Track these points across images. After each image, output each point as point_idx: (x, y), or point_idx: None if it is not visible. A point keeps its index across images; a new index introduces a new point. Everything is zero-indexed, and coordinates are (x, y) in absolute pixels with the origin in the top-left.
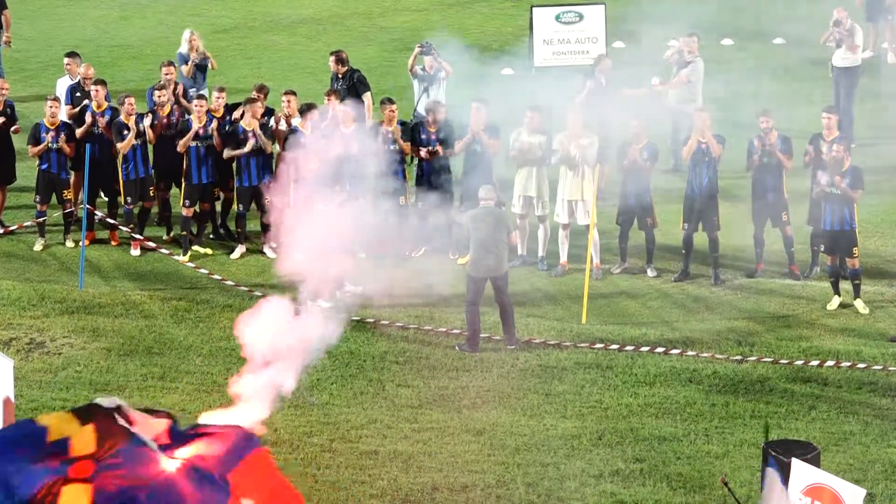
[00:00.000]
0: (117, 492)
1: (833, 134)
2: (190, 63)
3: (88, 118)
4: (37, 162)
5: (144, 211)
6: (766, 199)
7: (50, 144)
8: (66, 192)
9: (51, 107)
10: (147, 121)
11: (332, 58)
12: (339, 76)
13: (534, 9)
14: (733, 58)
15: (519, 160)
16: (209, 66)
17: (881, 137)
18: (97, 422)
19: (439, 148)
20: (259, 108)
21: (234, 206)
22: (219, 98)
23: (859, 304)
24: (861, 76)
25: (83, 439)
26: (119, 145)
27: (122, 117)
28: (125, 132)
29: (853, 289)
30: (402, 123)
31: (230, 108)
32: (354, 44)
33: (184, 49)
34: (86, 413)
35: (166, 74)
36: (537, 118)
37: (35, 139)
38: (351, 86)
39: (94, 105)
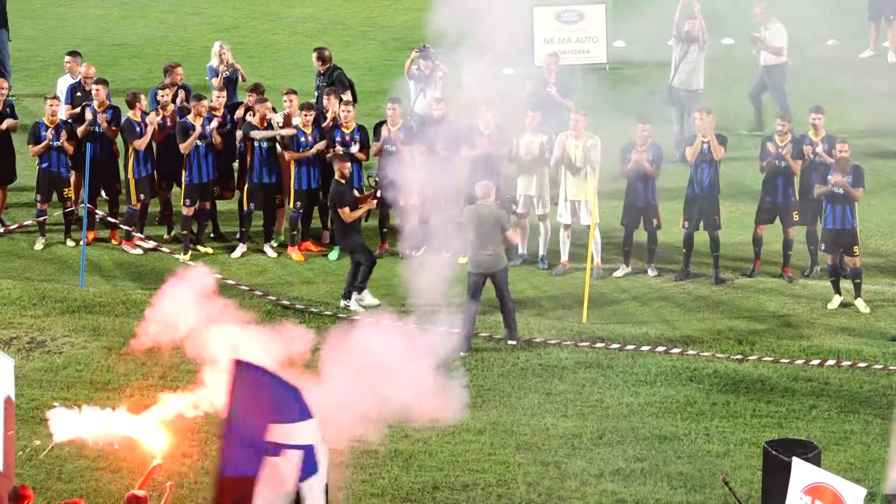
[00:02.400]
0: None
1: (821, 134)
2: (220, 76)
3: (89, 115)
4: (37, 161)
5: (143, 208)
6: (776, 200)
7: (51, 143)
8: (66, 190)
9: (50, 105)
10: (159, 118)
11: (315, 54)
12: (321, 73)
13: (534, 8)
14: (734, 57)
15: (523, 163)
16: (240, 78)
17: (882, 136)
18: None
19: None
20: (268, 108)
21: (245, 205)
22: (219, 97)
23: (860, 303)
24: (786, 73)
25: None
26: (136, 143)
27: (129, 114)
28: (137, 129)
29: (854, 288)
30: None
31: (231, 108)
32: (355, 43)
33: (214, 62)
34: None
35: (175, 76)
36: (538, 118)
37: (35, 138)
38: (331, 83)
39: (95, 104)
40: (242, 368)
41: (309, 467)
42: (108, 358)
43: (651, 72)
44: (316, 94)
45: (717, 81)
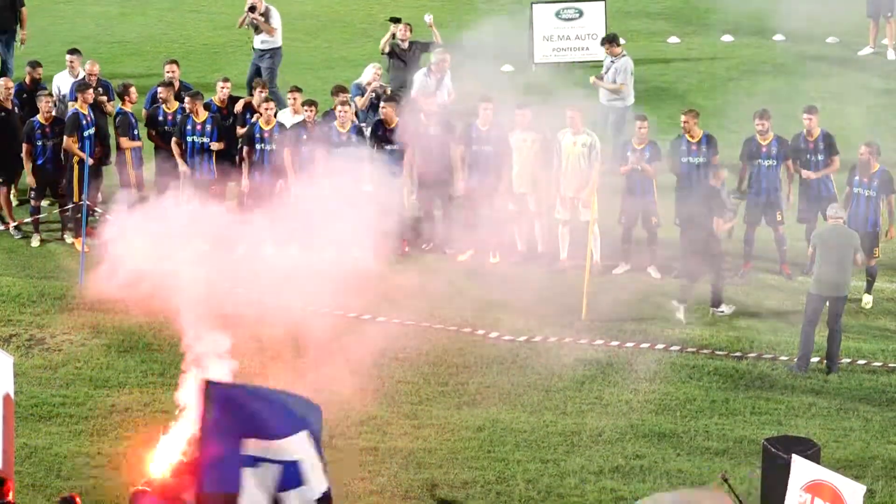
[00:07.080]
0: None
1: (816, 134)
2: (366, 96)
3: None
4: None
5: None
6: (760, 198)
7: (46, 142)
8: (60, 187)
9: (46, 102)
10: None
11: None
12: None
13: (533, 5)
14: (734, 55)
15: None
16: (383, 94)
17: (882, 135)
18: None
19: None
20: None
21: None
22: (224, 88)
23: (866, 297)
24: (278, 57)
25: None
26: (122, 141)
27: (120, 106)
28: (133, 121)
29: (866, 284)
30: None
31: (233, 100)
32: (354, 40)
33: (363, 80)
34: None
35: (169, 72)
36: (529, 115)
37: (29, 137)
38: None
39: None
40: (212, 388)
41: (290, 481)
42: (107, 355)
43: (651, 70)
44: None
45: (717, 80)
